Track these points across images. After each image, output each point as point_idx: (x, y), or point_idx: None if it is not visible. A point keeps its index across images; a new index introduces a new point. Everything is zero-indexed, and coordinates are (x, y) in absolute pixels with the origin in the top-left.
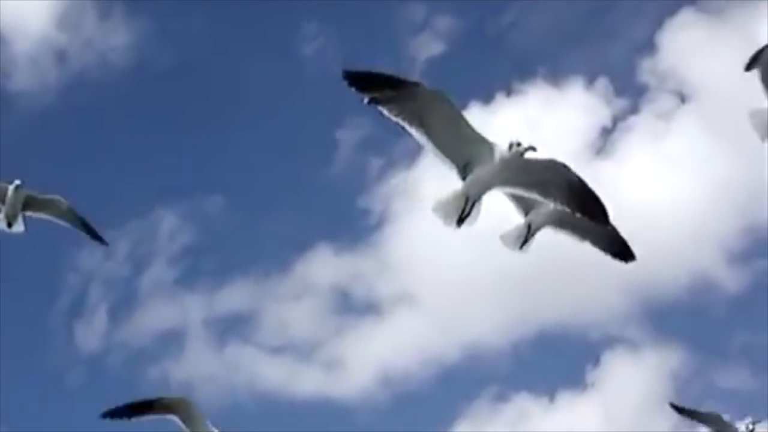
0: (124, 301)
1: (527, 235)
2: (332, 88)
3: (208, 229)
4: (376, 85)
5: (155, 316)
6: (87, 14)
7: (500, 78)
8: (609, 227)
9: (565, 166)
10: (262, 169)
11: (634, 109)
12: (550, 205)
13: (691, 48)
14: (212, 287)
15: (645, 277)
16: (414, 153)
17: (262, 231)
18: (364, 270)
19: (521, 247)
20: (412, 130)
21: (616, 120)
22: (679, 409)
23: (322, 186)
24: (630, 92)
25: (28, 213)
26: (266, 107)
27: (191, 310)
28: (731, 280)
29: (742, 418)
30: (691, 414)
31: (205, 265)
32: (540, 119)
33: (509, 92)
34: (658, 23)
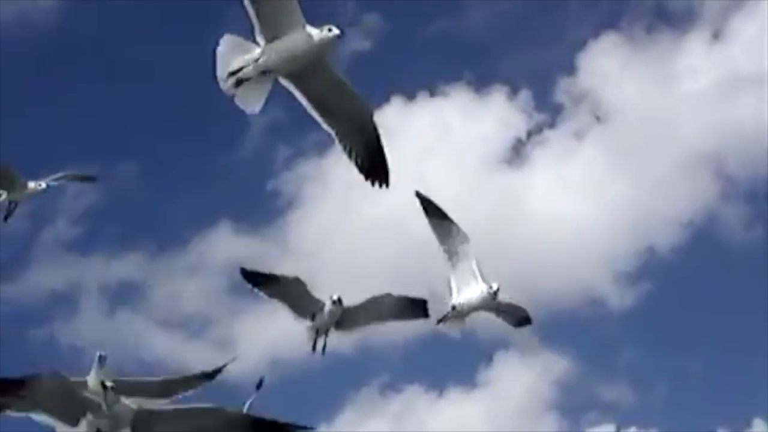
0: (18, 257)
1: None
2: None
3: (115, 193)
4: None
5: (49, 275)
6: None
7: (425, 77)
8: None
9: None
10: (176, 142)
11: (551, 124)
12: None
13: (609, 72)
14: (110, 253)
15: (539, 286)
16: (324, 144)
17: (168, 202)
18: (264, 252)
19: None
20: None
21: (531, 133)
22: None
23: (232, 166)
24: (549, 107)
25: None
26: (186, 81)
27: (86, 273)
28: (619, 298)
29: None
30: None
31: (106, 229)
32: (459, 122)
33: (433, 92)
34: (582, 44)
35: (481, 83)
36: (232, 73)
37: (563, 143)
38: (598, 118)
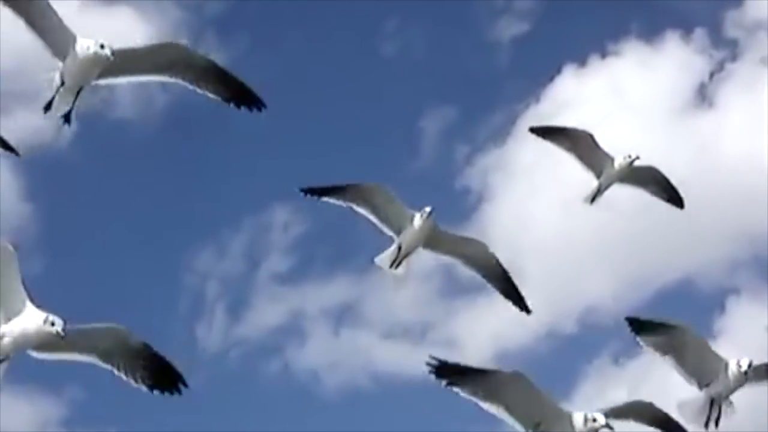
0: (241, 297)
1: (711, 410)
2: (415, 79)
3: (318, 219)
4: None
5: (271, 309)
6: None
7: (592, 41)
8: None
9: None
10: (364, 160)
11: (733, 57)
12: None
13: None
14: (324, 277)
15: (752, 226)
16: (498, 135)
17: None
18: None
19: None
20: None
21: (714, 73)
22: None
23: (418, 173)
24: (724, 43)
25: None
26: (355, 101)
27: (306, 300)
28: None
29: None
30: None
31: (316, 255)
32: (635, 77)
33: (603, 54)
34: None
35: (650, 32)
36: None
37: (750, 73)
38: None
